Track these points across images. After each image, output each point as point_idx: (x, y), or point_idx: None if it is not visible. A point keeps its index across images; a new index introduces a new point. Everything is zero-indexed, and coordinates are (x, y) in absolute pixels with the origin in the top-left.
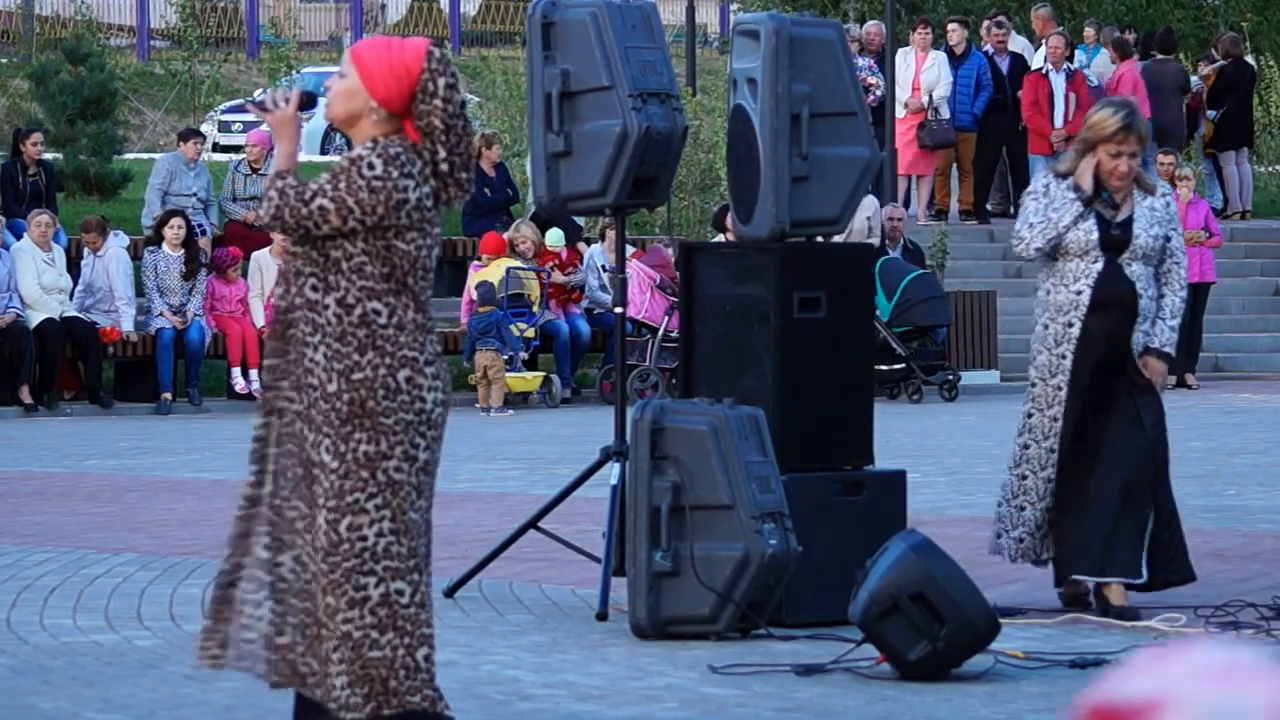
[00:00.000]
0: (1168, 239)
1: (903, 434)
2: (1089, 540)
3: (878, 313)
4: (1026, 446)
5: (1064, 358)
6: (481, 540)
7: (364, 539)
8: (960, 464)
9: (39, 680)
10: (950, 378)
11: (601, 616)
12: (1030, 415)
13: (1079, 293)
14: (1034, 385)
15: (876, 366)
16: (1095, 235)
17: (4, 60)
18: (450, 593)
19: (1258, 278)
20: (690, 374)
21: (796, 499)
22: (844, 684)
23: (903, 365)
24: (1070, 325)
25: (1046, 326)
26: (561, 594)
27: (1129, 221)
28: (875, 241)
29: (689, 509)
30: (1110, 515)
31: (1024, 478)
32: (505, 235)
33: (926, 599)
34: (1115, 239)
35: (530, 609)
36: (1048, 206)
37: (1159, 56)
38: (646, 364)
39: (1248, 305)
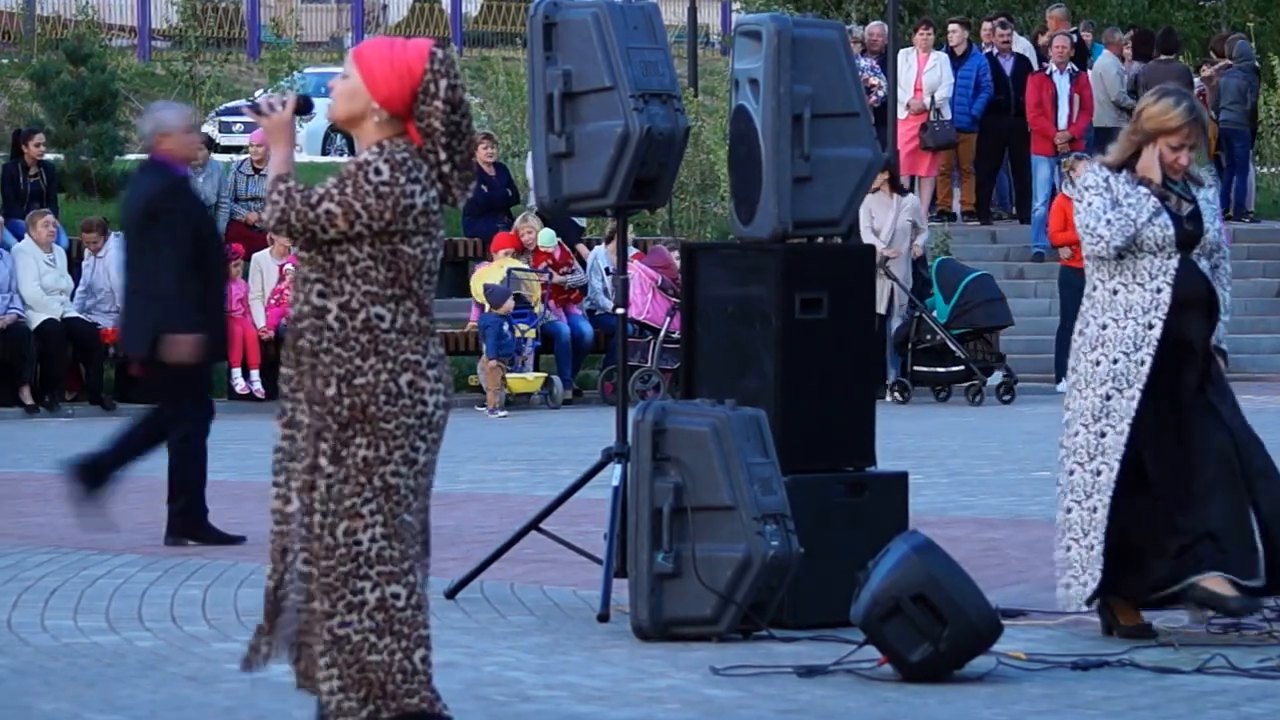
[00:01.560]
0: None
1: (904, 435)
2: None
3: (934, 314)
4: (1099, 473)
5: (1143, 364)
6: (483, 541)
7: (358, 543)
8: (962, 465)
9: (40, 681)
10: (1007, 379)
11: (603, 618)
12: (1103, 435)
13: (1158, 290)
14: (1107, 399)
15: (932, 369)
16: (1171, 231)
17: (5, 60)
18: (451, 594)
19: (1260, 279)
20: (692, 375)
21: (798, 500)
22: (846, 685)
23: (961, 367)
24: (1151, 327)
25: (1106, 327)
26: (563, 595)
27: (1196, 215)
28: (921, 242)
29: (690, 510)
30: (1222, 512)
31: (1095, 510)
32: (515, 226)
33: (928, 600)
34: (1190, 234)
35: (532, 610)
36: (1114, 202)
37: (1162, 57)
38: (648, 365)
39: (1250, 307)
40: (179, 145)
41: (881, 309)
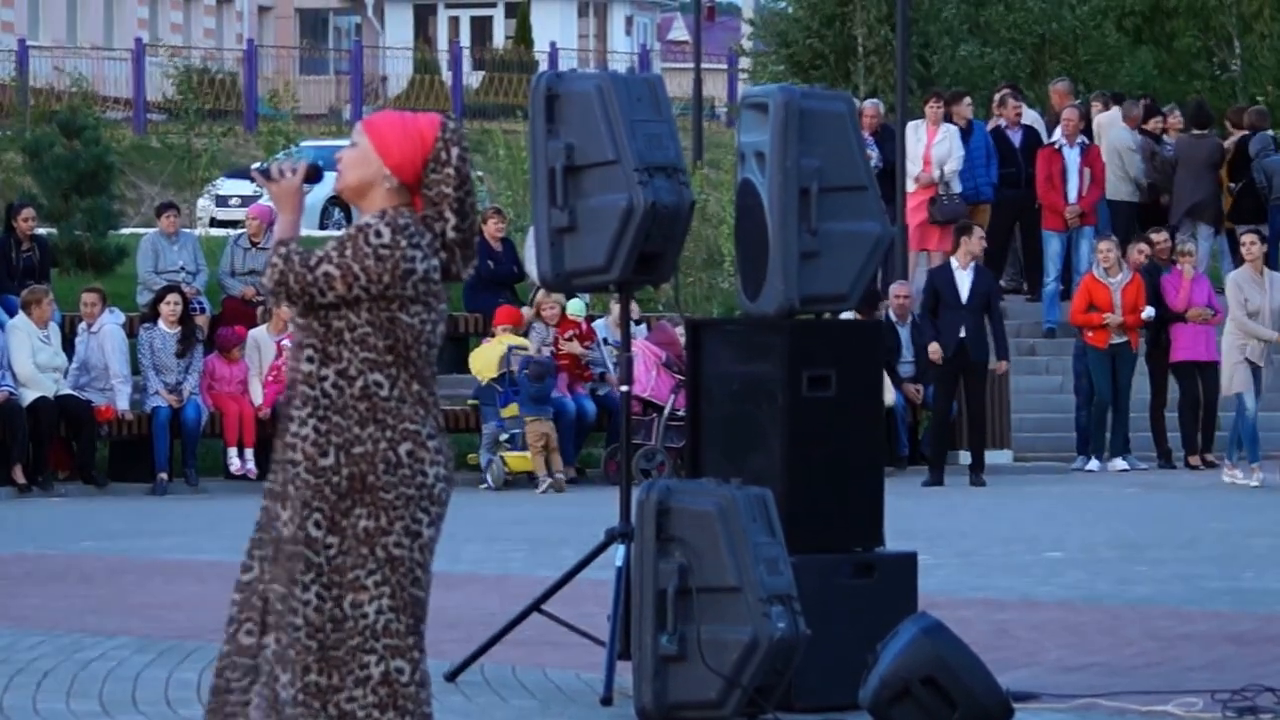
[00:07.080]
0: None
1: (913, 515)
2: None
3: None
4: None
5: None
6: (484, 623)
7: (365, 616)
8: (973, 545)
9: None
10: None
11: (606, 701)
12: None
13: None
14: None
15: None
16: None
17: None
18: (452, 676)
19: (1275, 355)
20: (697, 453)
21: (805, 581)
22: None
23: None
24: None
25: None
26: (565, 678)
27: None
28: None
29: (695, 591)
30: None
31: None
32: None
33: (938, 683)
34: None
35: (533, 693)
36: None
37: (1194, 131)
38: (653, 443)
39: (1272, 383)
40: None
41: (1238, 387)
